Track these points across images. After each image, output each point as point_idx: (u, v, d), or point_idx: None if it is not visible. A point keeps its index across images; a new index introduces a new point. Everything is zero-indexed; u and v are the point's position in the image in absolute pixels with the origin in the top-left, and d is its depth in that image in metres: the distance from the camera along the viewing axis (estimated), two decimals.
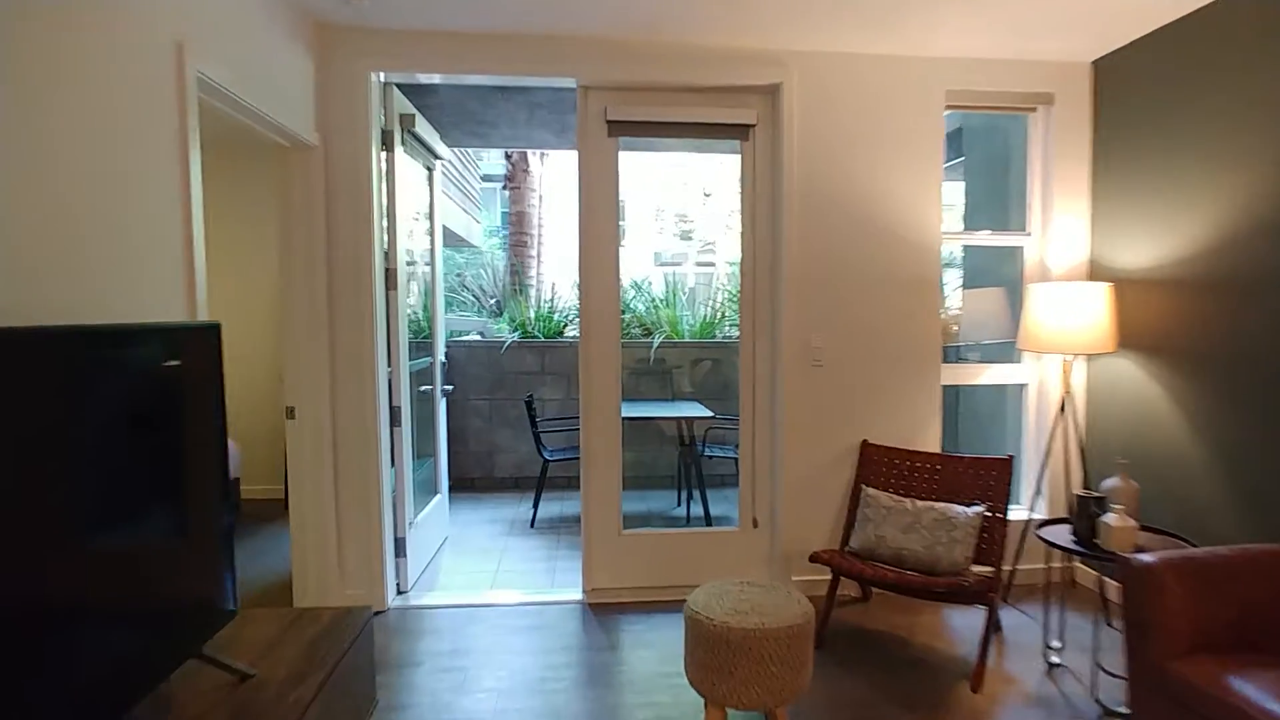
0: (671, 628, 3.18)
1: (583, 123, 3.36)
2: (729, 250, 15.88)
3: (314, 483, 3.20)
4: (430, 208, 4.29)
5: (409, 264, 4.22)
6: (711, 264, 17.26)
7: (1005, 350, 3.90)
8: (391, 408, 3.43)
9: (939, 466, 3.23)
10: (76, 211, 1.68)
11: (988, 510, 2.97)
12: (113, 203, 1.81)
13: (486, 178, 12.81)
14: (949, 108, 3.45)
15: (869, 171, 3.38)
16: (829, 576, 3.16)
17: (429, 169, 4.17)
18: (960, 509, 2.95)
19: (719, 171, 14.73)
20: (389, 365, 3.40)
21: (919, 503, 3.05)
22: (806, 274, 3.39)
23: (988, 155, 4.47)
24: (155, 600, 1.52)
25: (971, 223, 4.56)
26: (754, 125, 3.43)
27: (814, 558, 3.00)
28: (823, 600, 3.12)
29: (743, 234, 3.53)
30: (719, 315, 6.40)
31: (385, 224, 3.36)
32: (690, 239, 18.15)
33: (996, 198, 4.32)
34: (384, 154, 3.34)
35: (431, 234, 4.33)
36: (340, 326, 3.21)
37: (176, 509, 1.60)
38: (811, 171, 3.36)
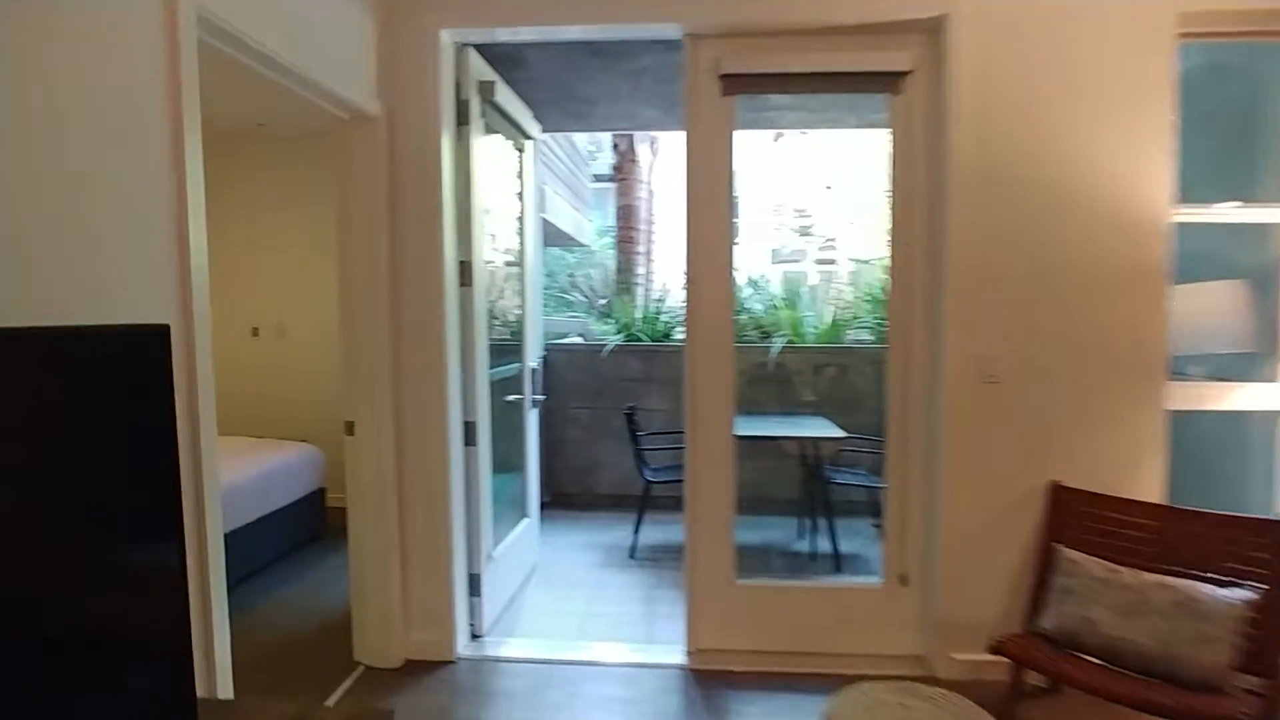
0: (796, 713, 2.50)
1: (691, 81, 2.75)
2: (852, 245, 14.77)
3: (375, 510, 2.76)
4: (521, 194, 3.82)
5: (509, 263, 3.78)
6: (833, 261, 16.18)
7: (1241, 364, 2.94)
8: (465, 424, 2.95)
9: (1169, 525, 2.37)
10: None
11: (1258, 595, 2.10)
12: (58, 175, 1.38)
13: (598, 177, 12.46)
14: (1183, 36, 2.57)
15: (1068, 129, 2.56)
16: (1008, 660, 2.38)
17: (518, 149, 3.69)
18: (1214, 591, 2.10)
19: (847, 153, 13.63)
20: (462, 373, 2.92)
21: (1145, 576, 2.21)
22: (978, 264, 2.61)
23: (1218, 105, 3.46)
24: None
25: (1190, 195, 3.56)
26: (908, 73, 2.69)
27: (997, 649, 2.24)
28: (1000, 693, 2.34)
29: (892, 215, 2.79)
30: (849, 316, 5.61)
31: (460, 209, 2.89)
32: (810, 234, 17.12)
33: (1232, 161, 3.31)
34: (460, 127, 2.87)
35: (522, 224, 3.85)
36: (405, 329, 2.76)
37: (77, 574, 1.13)
38: (987, 131, 2.58)
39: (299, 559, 4.05)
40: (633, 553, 4.20)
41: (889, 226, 2.82)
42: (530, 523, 3.88)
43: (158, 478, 1.26)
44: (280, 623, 3.27)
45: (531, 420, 3.92)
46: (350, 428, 2.74)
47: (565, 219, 8.38)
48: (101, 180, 1.47)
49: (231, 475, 3.64)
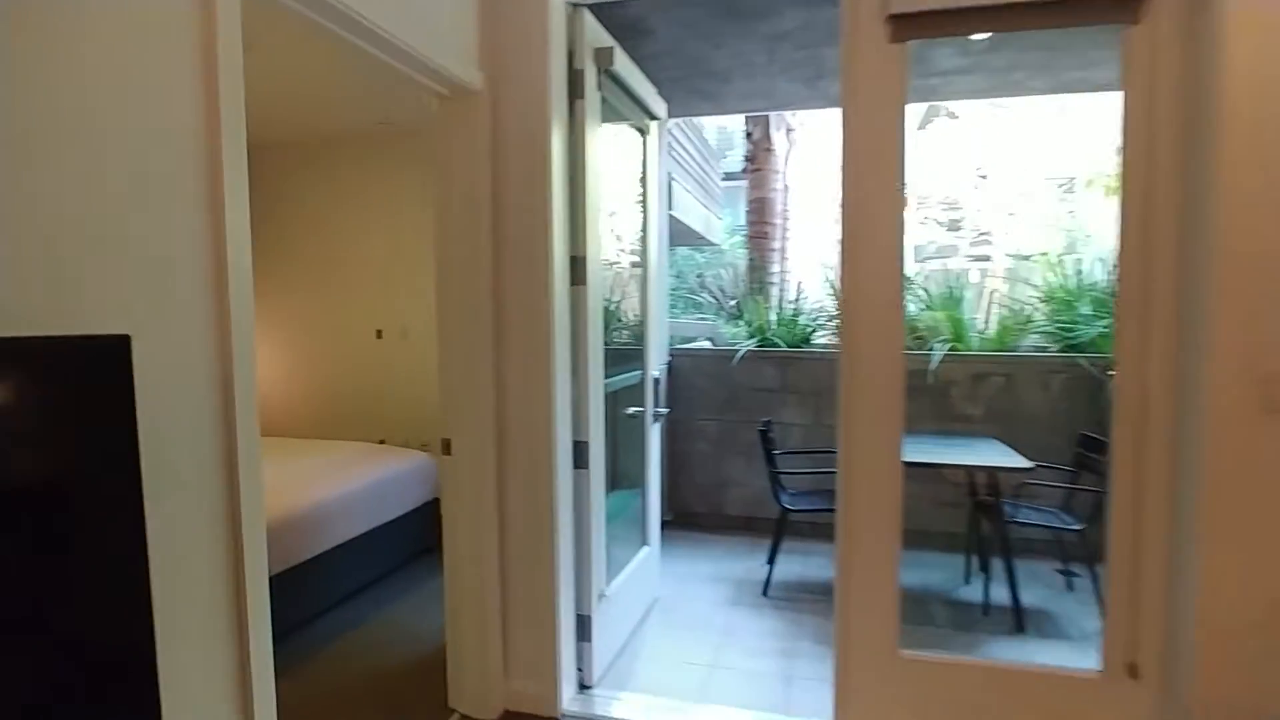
0: None
1: (851, 29, 2.21)
2: (1012, 240, 13.34)
3: (473, 542, 2.43)
4: (644, 183, 3.40)
5: (635, 264, 3.39)
6: (987, 258, 14.75)
7: None
8: (575, 444, 2.56)
9: None
10: None
11: None
12: (68, 175, 1.08)
13: (729, 175, 11.93)
14: None
15: None
16: None
17: (641, 131, 3.28)
18: None
19: (1008, 136, 12.24)
20: (573, 385, 2.54)
21: None
22: (1264, 250, 1.89)
23: None
24: None
25: None
26: None
27: None
28: None
29: (1122, 185, 2.12)
30: (1022, 318, 4.78)
31: (572, 196, 2.51)
32: (959, 229, 15.73)
33: None
34: (574, 102, 2.49)
35: (646, 218, 3.43)
36: (509, 334, 2.41)
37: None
38: (1272, 68, 1.86)
39: (409, 573, 3.86)
40: (766, 589, 3.67)
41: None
42: (650, 552, 3.45)
43: (106, 494, 0.94)
44: (381, 647, 3.04)
45: (653, 435, 3.50)
46: (447, 446, 2.42)
47: (694, 216, 7.93)
48: (120, 178, 1.18)
49: (345, 485, 3.49)
